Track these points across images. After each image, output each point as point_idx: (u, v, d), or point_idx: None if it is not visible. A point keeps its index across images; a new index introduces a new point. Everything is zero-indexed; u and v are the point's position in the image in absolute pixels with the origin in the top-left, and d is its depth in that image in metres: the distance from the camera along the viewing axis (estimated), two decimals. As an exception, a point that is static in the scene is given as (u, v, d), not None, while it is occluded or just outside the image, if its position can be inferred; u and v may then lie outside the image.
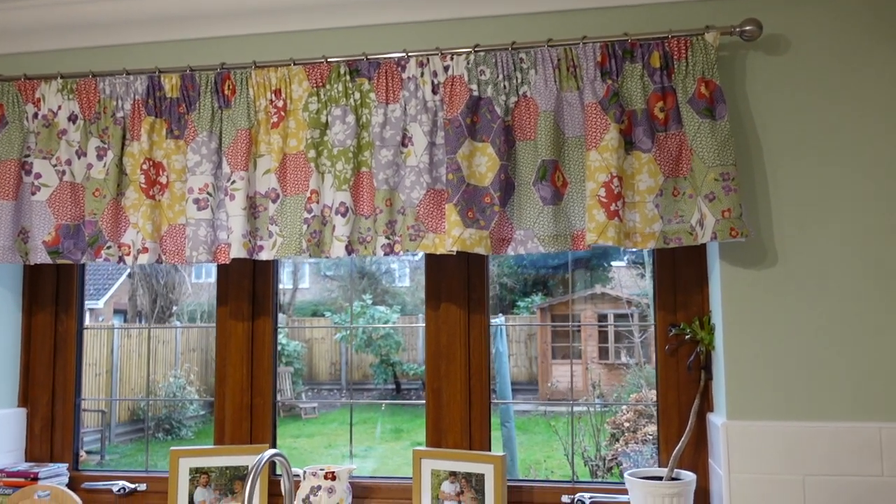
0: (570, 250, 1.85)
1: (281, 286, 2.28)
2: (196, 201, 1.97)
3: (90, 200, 2.04)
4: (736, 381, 1.79)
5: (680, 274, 2.01)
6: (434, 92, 1.92)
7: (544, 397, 10.78)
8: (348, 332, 12.47)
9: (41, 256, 2.06)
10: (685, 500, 1.81)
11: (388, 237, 1.91)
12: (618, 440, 6.09)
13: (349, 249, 1.91)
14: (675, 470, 1.87)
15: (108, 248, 2.03)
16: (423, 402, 2.08)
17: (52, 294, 2.33)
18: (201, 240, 1.97)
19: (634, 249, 1.84)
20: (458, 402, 2.08)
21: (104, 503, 2.21)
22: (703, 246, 1.97)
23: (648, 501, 1.81)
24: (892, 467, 1.70)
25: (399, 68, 1.95)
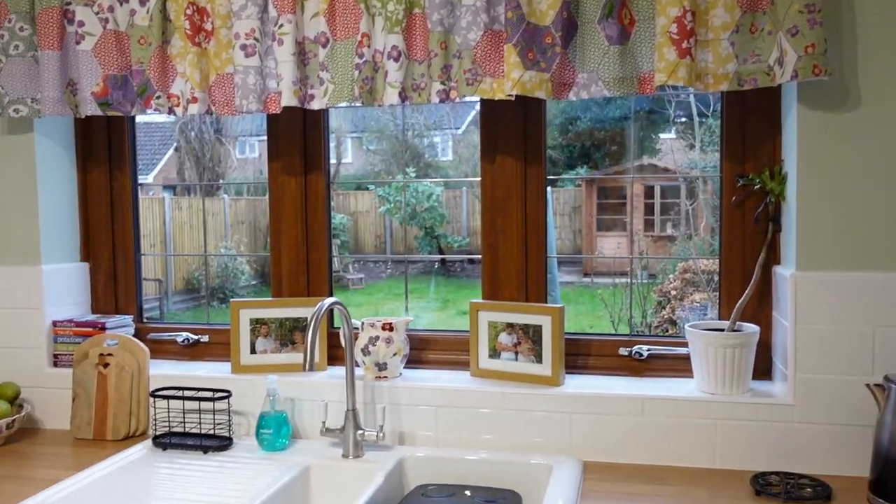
0: (637, 94, 1.75)
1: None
2: (243, 48, 1.90)
3: (136, 49, 1.98)
4: (807, 232, 1.72)
5: (749, 122, 1.90)
6: (491, -78, 1.77)
7: (589, 270, 10.80)
8: (392, 204, 12.52)
9: (91, 108, 2.02)
10: (748, 350, 1.78)
11: (443, 83, 1.82)
12: (664, 308, 6.11)
13: (402, 96, 1.83)
14: (737, 322, 1.84)
15: (158, 98, 1.98)
16: (470, 270, 2.05)
17: (105, 151, 2.32)
18: (250, 88, 1.91)
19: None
20: (513, 257, 2.05)
21: (169, 352, 2.28)
22: (777, 91, 1.85)
23: (710, 353, 1.78)
24: (970, 317, 1.63)
25: None
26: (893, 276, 1.67)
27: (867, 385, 1.60)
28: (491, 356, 1.99)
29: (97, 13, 2.01)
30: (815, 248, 1.71)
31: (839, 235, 1.70)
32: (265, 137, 2.21)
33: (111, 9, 2.01)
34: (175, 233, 9.86)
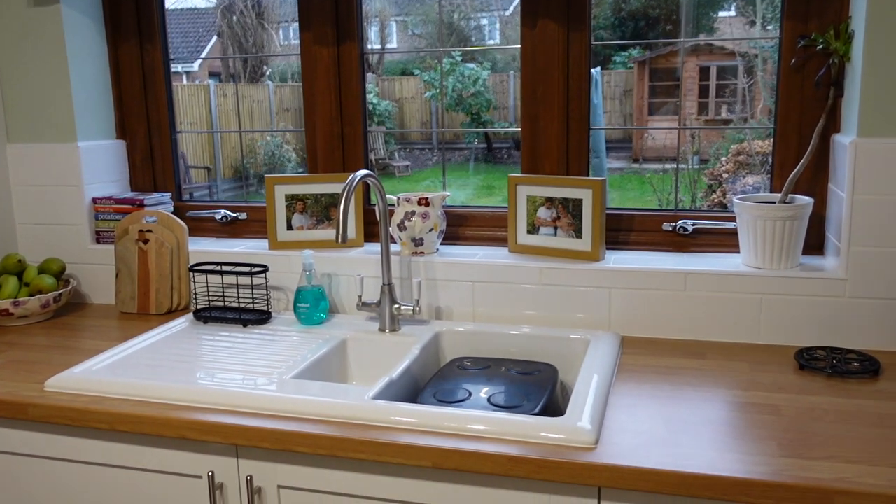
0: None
1: (370, 45, 2.12)
2: None
3: None
4: (872, 95, 1.58)
5: (816, -23, 1.73)
6: None
7: (638, 155, 10.53)
8: (438, 90, 12.26)
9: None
10: (800, 223, 1.69)
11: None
12: (714, 192, 5.94)
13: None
14: (790, 195, 1.74)
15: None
16: (517, 156, 1.96)
17: (135, 24, 2.25)
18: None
19: None
20: (554, 129, 1.96)
21: (208, 229, 2.29)
22: (850, -61, 1.67)
23: (759, 226, 1.70)
24: None
25: None
26: (965, 142, 1.54)
27: (927, 257, 1.51)
28: (530, 231, 1.94)
29: None
30: (880, 113, 1.58)
31: (908, 98, 1.57)
32: (300, 13, 2.11)
33: None
34: (221, 120, 9.87)
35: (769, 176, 1.89)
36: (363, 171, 1.70)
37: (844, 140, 1.64)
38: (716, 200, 5.63)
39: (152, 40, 2.26)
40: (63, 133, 2.17)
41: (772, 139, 1.85)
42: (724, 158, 5.81)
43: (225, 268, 2.00)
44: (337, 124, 2.13)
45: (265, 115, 10.38)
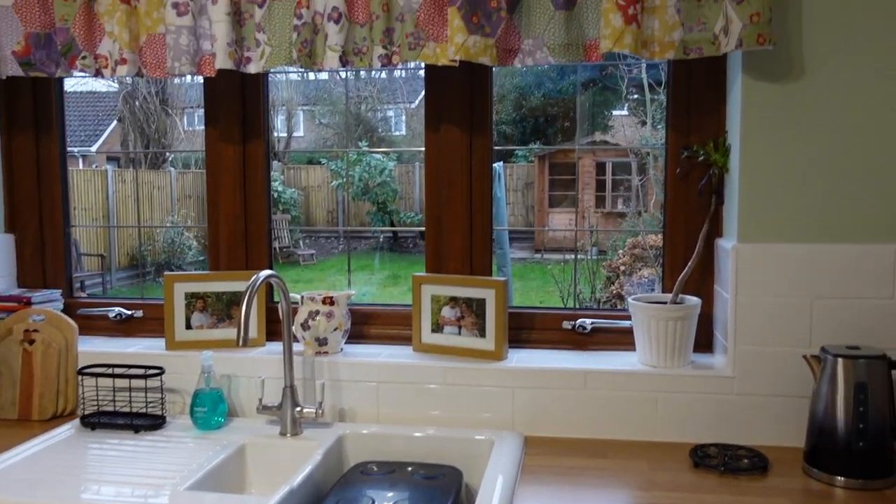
0: (582, 62, 1.71)
1: (275, 134, 2.15)
2: (175, 6, 1.80)
3: (59, 5, 1.87)
4: (749, 204, 1.71)
5: (695, 94, 1.88)
6: None
7: (540, 246, 10.85)
8: (345, 179, 12.35)
9: (12, 68, 1.91)
10: (689, 323, 1.78)
11: (385, 47, 1.76)
12: (613, 283, 6.16)
13: (343, 61, 1.77)
14: (680, 295, 1.83)
15: (84, 58, 1.88)
16: (422, 245, 2.01)
17: (31, 116, 2.19)
18: (183, 49, 1.81)
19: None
20: (458, 229, 2.01)
21: (100, 329, 2.19)
22: (723, 62, 1.83)
23: (652, 325, 1.77)
24: (905, 290, 1.65)
25: None
26: (830, 247, 1.67)
27: (804, 356, 1.61)
28: (434, 330, 1.95)
29: (17, -33, 1.89)
30: (756, 220, 1.71)
31: (780, 208, 1.70)
32: (203, 105, 2.12)
33: (32, -37, 1.89)
34: (119, 206, 9.58)
35: (662, 268, 1.99)
36: (266, 272, 1.69)
37: (726, 245, 1.76)
38: (614, 292, 5.84)
39: (49, 132, 2.20)
40: (-55, 226, 2.06)
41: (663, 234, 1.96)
42: (620, 252, 6.06)
43: (117, 370, 1.91)
44: (241, 221, 2.11)
45: (166, 201, 10.15)
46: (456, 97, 1.97)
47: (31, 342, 1.96)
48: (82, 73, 1.89)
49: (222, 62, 1.80)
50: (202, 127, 2.10)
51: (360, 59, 1.78)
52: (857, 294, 1.67)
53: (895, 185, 1.66)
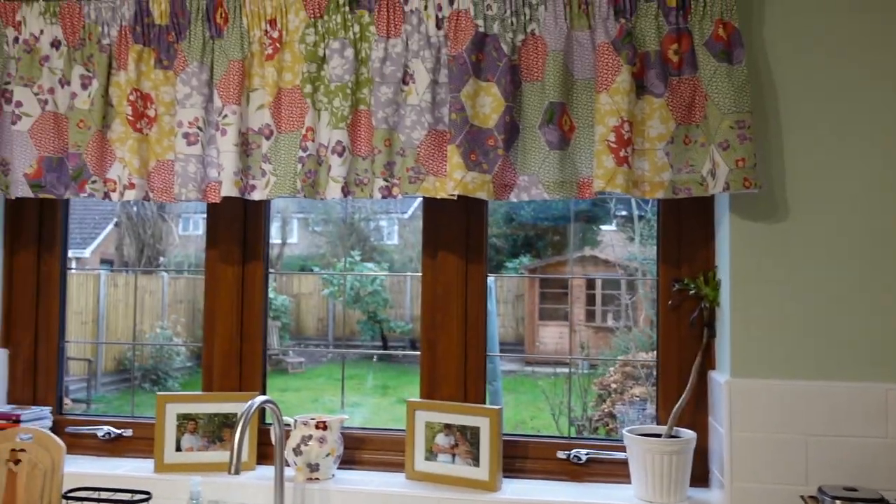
0: (576, 198, 1.78)
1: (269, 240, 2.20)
2: (185, 136, 1.88)
3: (74, 132, 1.94)
4: (741, 339, 1.74)
5: (685, 227, 1.95)
6: (438, 27, 1.83)
7: (531, 359, 10.79)
8: (336, 287, 12.39)
9: (23, 190, 1.97)
10: (685, 457, 1.77)
11: (386, 179, 1.83)
12: (604, 401, 6.10)
13: (345, 191, 1.83)
14: (675, 428, 1.83)
15: (93, 182, 1.94)
16: (412, 356, 2.02)
17: (35, 233, 2.24)
18: (191, 176, 1.88)
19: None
20: (453, 355, 2.03)
21: (89, 447, 2.15)
22: (711, 198, 1.90)
23: (647, 459, 1.76)
24: (898, 428, 1.66)
25: (401, 0, 1.84)
26: (824, 385, 1.69)
27: (801, 497, 1.60)
28: (427, 458, 1.93)
29: (37, 94, 1.98)
30: (749, 355, 1.73)
31: (772, 344, 1.73)
32: (210, 214, 2.17)
33: (52, 90, 1.98)
34: (109, 311, 9.54)
35: (655, 388, 1.99)
36: (261, 398, 1.69)
37: (720, 378, 1.77)
38: (606, 411, 5.78)
39: (52, 248, 2.24)
40: (-61, 341, 2.06)
41: (655, 351, 1.97)
42: (611, 369, 6.04)
43: (103, 494, 1.86)
44: (236, 342, 2.12)
45: (157, 306, 10.12)
46: (453, 226, 2.03)
47: (17, 462, 1.92)
48: (91, 196, 1.94)
49: (228, 190, 1.86)
50: (197, 232, 2.15)
51: (362, 189, 1.84)
52: (851, 432, 1.67)
53: (886, 324, 1.70)
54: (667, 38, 1.74)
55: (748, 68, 1.71)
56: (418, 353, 2.04)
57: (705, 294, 1.86)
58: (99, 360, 9.02)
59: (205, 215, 2.13)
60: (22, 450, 1.93)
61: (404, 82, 1.83)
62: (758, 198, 1.74)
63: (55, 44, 1.97)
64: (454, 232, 2.03)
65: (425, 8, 1.83)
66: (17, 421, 2.02)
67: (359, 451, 2.05)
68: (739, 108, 1.67)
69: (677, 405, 1.82)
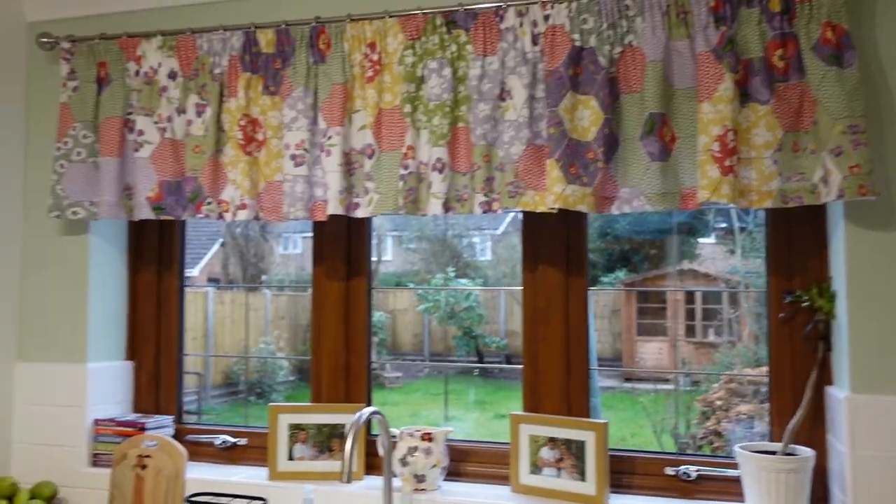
0: (679, 209, 1.75)
1: None
2: (293, 157, 1.97)
3: (190, 157, 2.06)
4: (861, 353, 1.66)
5: (796, 237, 1.88)
6: (534, 43, 1.84)
7: (630, 374, 10.56)
8: (431, 303, 12.53)
9: (145, 212, 2.10)
10: (804, 477, 1.70)
11: (486, 194, 1.85)
12: (708, 418, 5.89)
13: (446, 207, 1.87)
14: (791, 445, 1.76)
15: (209, 203, 2.05)
16: (510, 370, 2.03)
17: (156, 252, 2.38)
18: (298, 196, 1.96)
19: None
20: (556, 368, 2.02)
21: (207, 455, 2.26)
22: (823, 206, 1.83)
23: (762, 477, 1.70)
24: None
25: (497, 18, 1.87)
26: (954, 400, 1.60)
27: (933, 519, 1.51)
28: (532, 471, 1.93)
29: (156, 122, 2.12)
30: (870, 370, 1.65)
31: (894, 358, 1.64)
32: (308, 233, 2.26)
33: (170, 119, 2.11)
34: (217, 327, 9.97)
35: (763, 405, 1.92)
36: (369, 409, 1.73)
37: (839, 394, 1.70)
38: (711, 429, 5.58)
39: (170, 267, 2.38)
40: (73, 353, 2.21)
41: (763, 367, 1.90)
42: (715, 385, 5.84)
43: (222, 500, 1.96)
44: (343, 355, 2.19)
45: (261, 322, 10.50)
46: (553, 240, 2.03)
47: (144, 467, 2.04)
48: (206, 217, 2.05)
49: (334, 208, 1.93)
50: (297, 251, 2.22)
51: (462, 205, 1.88)
52: (985, 450, 1.57)
53: None
54: (771, 43, 1.70)
55: (860, 71, 1.65)
56: (516, 367, 2.04)
57: (819, 306, 1.78)
58: (208, 374, 9.45)
59: (304, 235, 2.22)
60: (148, 456, 2.05)
61: (501, 98, 1.85)
62: (874, 204, 1.67)
63: (172, 75, 2.10)
64: (554, 246, 2.03)
65: (521, 25, 1.85)
66: (143, 429, 2.15)
67: (463, 463, 2.07)
68: (852, 112, 1.61)
69: (793, 422, 1.75)
